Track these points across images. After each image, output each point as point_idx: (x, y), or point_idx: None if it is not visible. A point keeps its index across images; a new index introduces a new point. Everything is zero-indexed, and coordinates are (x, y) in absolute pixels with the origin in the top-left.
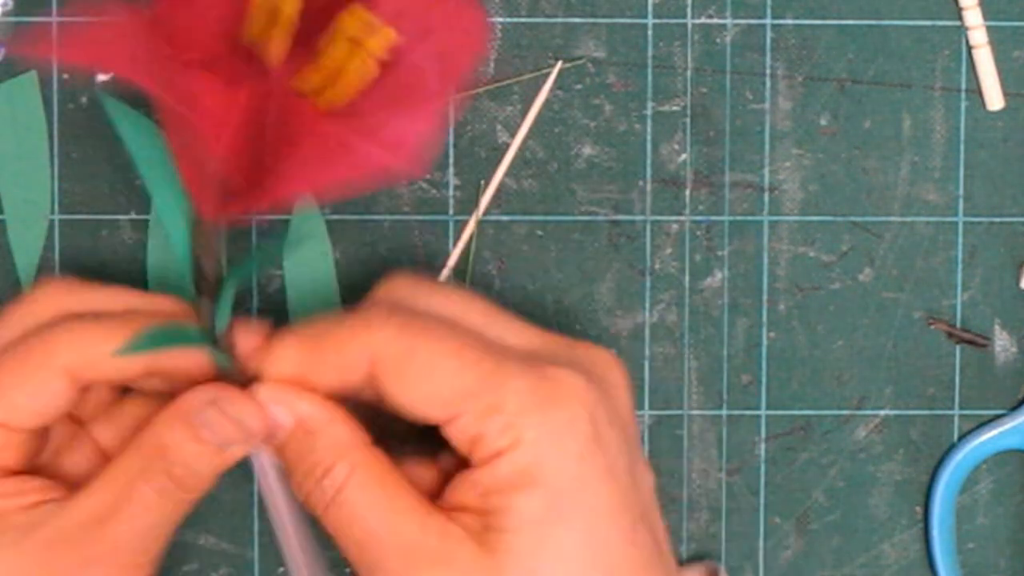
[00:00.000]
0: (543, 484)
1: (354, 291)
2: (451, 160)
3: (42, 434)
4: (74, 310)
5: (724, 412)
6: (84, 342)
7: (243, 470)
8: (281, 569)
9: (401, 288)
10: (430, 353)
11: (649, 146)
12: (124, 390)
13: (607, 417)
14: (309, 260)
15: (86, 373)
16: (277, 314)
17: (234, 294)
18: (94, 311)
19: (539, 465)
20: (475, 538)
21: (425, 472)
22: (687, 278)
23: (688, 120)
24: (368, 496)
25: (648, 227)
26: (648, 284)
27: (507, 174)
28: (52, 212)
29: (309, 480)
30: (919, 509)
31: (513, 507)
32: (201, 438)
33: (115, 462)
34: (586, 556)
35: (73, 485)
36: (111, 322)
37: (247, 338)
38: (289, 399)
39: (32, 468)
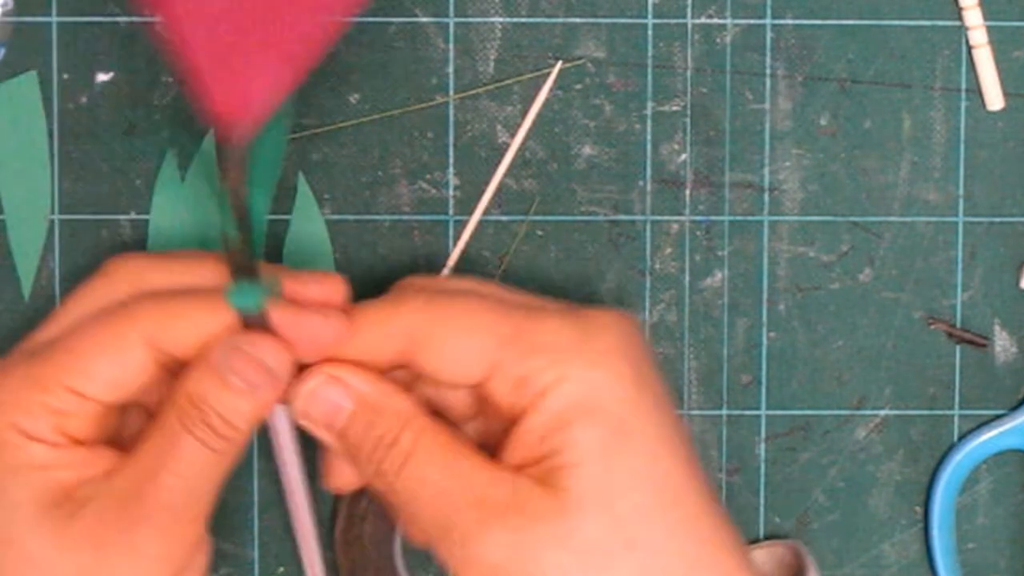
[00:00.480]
0: (599, 412)
1: (354, 291)
2: (451, 160)
3: (118, 412)
4: (150, 284)
5: (724, 412)
6: (166, 313)
7: (244, 471)
8: (281, 569)
9: (419, 278)
10: (462, 313)
11: (649, 146)
12: None
13: (642, 351)
14: (309, 260)
15: (167, 345)
16: None
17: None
18: (171, 286)
19: (592, 394)
20: (543, 483)
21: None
22: (687, 278)
23: (688, 120)
24: (436, 458)
25: (648, 227)
26: (648, 284)
27: (507, 174)
28: (52, 212)
29: (377, 452)
30: (919, 509)
31: (574, 440)
32: (230, 384)
33: (155, 421)
34: (653, 483)
35: None
36: (192, 295)
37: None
38: (347, 379)
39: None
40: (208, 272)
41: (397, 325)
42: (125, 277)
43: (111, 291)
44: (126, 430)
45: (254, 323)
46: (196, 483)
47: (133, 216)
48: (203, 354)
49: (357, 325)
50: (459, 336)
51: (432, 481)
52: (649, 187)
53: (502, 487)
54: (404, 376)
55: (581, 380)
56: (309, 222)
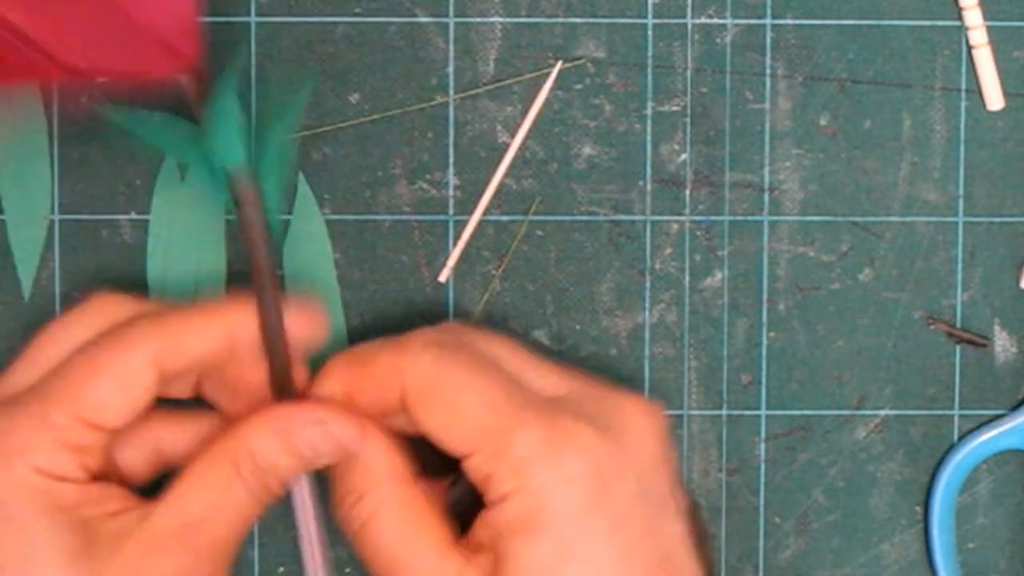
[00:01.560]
0: (547, 531)
1: (354, 291)
2: (451, 160)
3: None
4: (123, 318)
5: (724, 412)
6: (167, 331)
7: None
8: (281, 569)
9: (451, 327)
10: (456, 387)
11: (649, 146)
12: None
13: (618, 470)
14: (309, 260)
15: (171, 361)
16: None
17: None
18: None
19: (543, 512)
20: None
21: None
22: (687, 278)
23: (688, 120)
24: (393, 528)
25: (648, 227)
26: (648, 284)
27: (507, 174)
28: (52, 212)
29: (344, 504)
30: (919, 509)
31: (519, 552)
32: (297, 451)
33: (201, 468)
34: None
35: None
36: (187, 310)
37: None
38: (334, 421)
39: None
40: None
41: (399, 376)
42: (102, 311)
43: (91, 323)
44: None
45: (267, 320)
46: (240, 532)
47: (133, 216)
48: (260, 411)
49: (365, 369)
50: (445, 412)
51: (384, 547)
52: (649, 187)
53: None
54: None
55: (536, 495)
56: (309, 222)
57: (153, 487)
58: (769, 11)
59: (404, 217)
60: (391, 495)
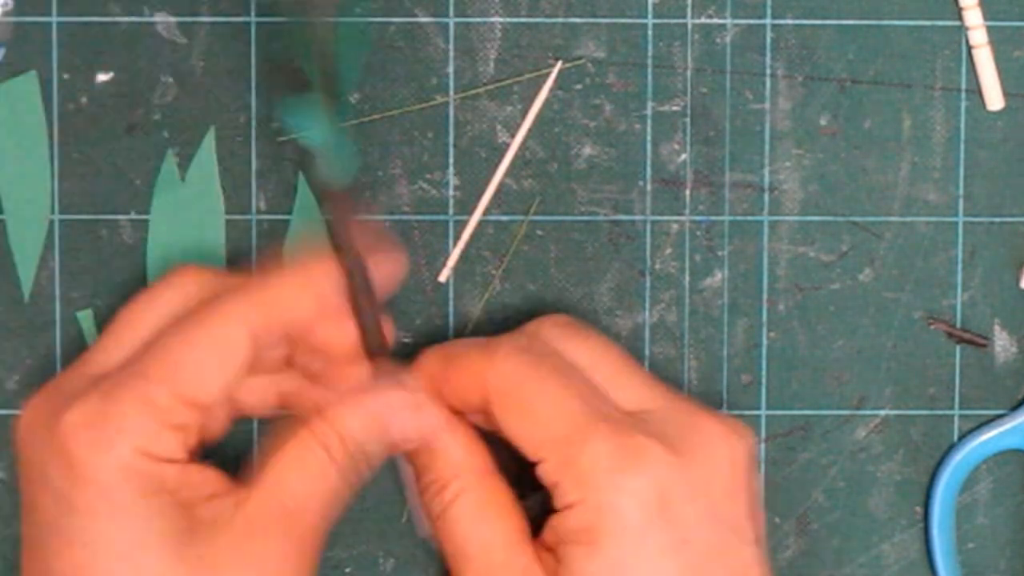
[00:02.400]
0: (603, 547)
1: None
2: (451, 160)
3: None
4: (209, 293)
5: (724, 412)
6: (259, 298)
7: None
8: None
9: (548, 326)
10: (534, 395)
11: (649, 146)
12: None
13: (686, 490)
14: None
15: (266, 330)
16: None
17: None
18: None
19: (603, 526)
20: None
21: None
22: (687, 278)
23: (688, 120)
24: (469, 517)
25: (648, 227)
26: (648, 284)
27: (507, 174)
28: (52, 212)
29: (427, 492)
30: (919, 509)
31: (578, 563)
32: (389, 436)
33: (294, 453)
34: None
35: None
36: (276, 279)
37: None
38: (421, 413)
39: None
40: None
41: (483, 377)
42: (185, 285)
43: (175, 298)
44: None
45: (353, 276)
46: (333, 515)
47: (133, 216)
48: (351, 394)
49: (453, 366)
50: (522, 418)
51: (459, 535)
52: (649, 187)
53: (515, 571)
54: None
55: (596, 510)
56: (309, 222)
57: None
58: (769, 11)
59: (404, 217)
60: (471, 485)
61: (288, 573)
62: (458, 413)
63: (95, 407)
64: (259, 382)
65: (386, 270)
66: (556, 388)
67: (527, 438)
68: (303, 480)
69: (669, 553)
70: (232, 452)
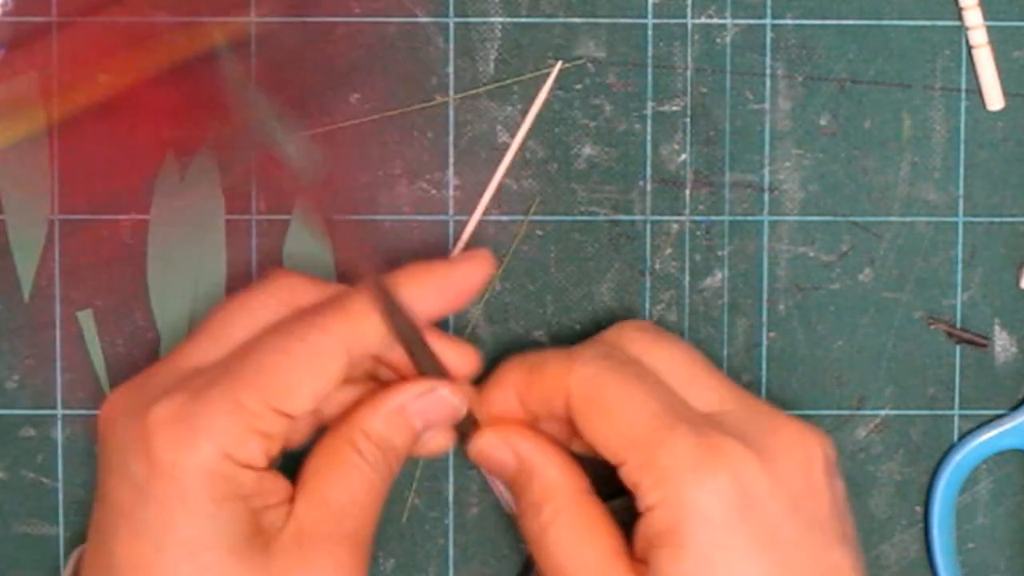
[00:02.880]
0: (688, 547)
1: None
2: (451, 160)
3: None
4: (304, 299)
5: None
6: (355, 315)
7: None
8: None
9: (627, 331)
10: (614, 398)
11: (649, 146)
12: None
13: (768, 488)
14: (309, 260)
15: (359, 347)
16: None
17: None
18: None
19: (685, 525)
20: None
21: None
22: (687, 278)
23: (688, 120)
24: (566, 537)
25: (648, 227)
26: (648, 284)
27: (507, 174)
28: (52, 212)
29: (524, 515)
30: (919, 509)
31: (662, 565)
32: (410, 424)
33: (329, 460)
34: None
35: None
36: (367, 296)
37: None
38: (512, 442)
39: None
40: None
41: (564, 384)
42: (280, 291)
43: (270, 303)
44: None
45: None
46: (377, 512)
47: (133, 216)
48: (377, 396)
49: (534, 375)
50: (602, 422)
51: (557, 556)
52: (649, 187)
53: None
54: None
55: (677, 509)
56: (309, 222)
57: None
58: (769, 11)
59: (404, 217)
60: (566, 505)
61: None
62: (552, 438)
63: (183, 404)
64: (343, 393)
65: (461, 282)
66: (635, 392)
67: (608, 441)
68: (342, 485)
69: (756, 550)
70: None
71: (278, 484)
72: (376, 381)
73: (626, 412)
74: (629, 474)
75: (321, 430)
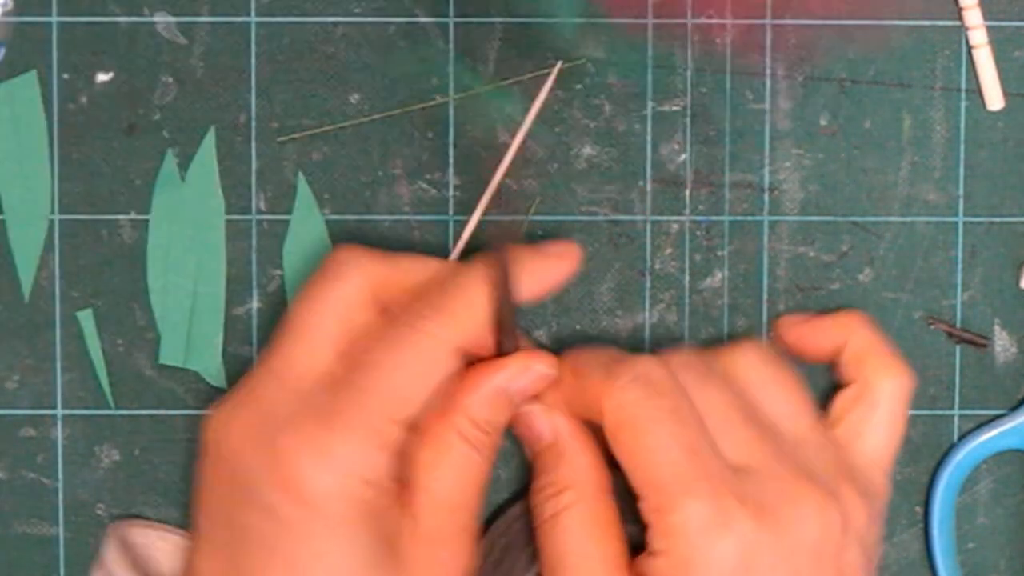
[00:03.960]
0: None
1: None
2: (451, 160)
3: None
4: (384, 283)
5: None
6: (458, 314)
7: None
8: None
9: (680, 360)
10: (642, 435)
11: (649, 146)
12: None
13: (771, 561)
14: (309, 260)
15: (467, 341)
16: (277, 314)
17: None
18: (404, 283)
19: None
20: None
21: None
22: (687, 278)
23: (688, 120)
24: (577, 528)
25: (648, 227)
26: (648, 284)
27: (507, 174)
28: (52, 212)
29: (541, 492)
30: (919, 509)
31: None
32: (513, 403)
33: (439, 455)
34: None
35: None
36: (452, 282)
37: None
38: (555, 419)
39: None
40: (435, 269)
41: (599, 402)
42: (355, 276)
43: (353, 292)
44: None
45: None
46: (484, 493)
47: (133, 216)
48: (469, 379)
49: (582, 380)
50: (626, 450)
51: (563, 544)
52: (649, 187)
53: None
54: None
55: (681, 564)
56: (309, 222)
57: None
58: (769, 11)
59: (404, 217)
60: (585, 497)
61: (466, 566)
62: (586, 429)
63: (314, 433)
64: None
65: (554, 268)
66: (663, 434)
67: (631, 472)
68: (459, 479)
69: None
70: None
71: (393, 487)
72: None
73: (650, 454)
74: (644, 511)
75: None
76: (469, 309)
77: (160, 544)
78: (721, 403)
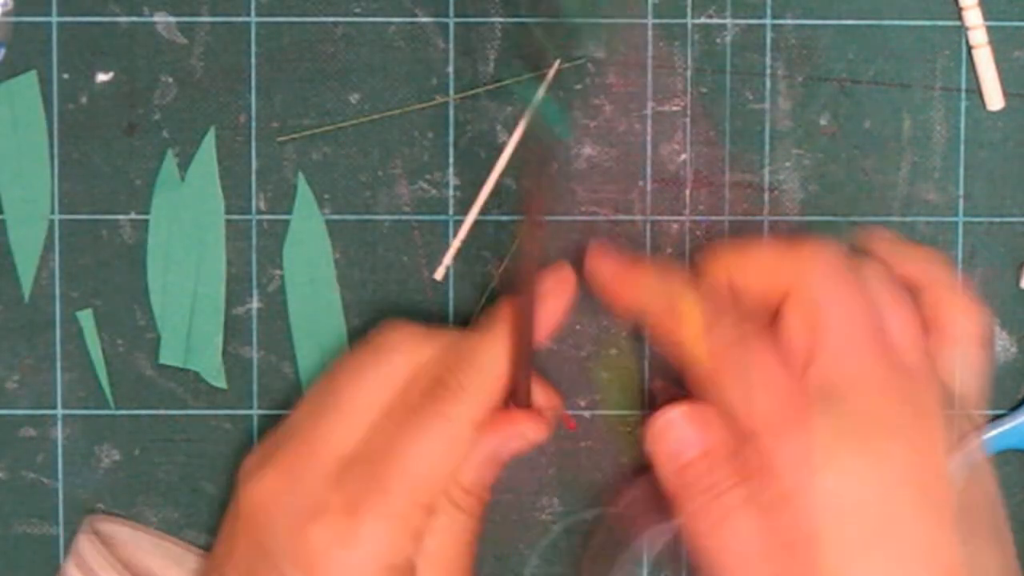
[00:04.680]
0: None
1: (354, 291)
2: (451, 160)
3: None
4: (425, 360)
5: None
6: (482, 392)
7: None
8: None
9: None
10: (829, 302)
11: (649, 146)
12: None
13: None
14: (309, 260)
15: (484, 415)
16: (277, 314)
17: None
18: (443, 358)
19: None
20: None
21: None
22: None
23: (688, 120)
24: (748, 526)
25: (648, 227)
26: None
27: (507, 174)
28: (52, 212)
29: (704, 496)
30: None
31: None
32: (502, 464)
33: (447, 518)
34: None
35: None
36: (490, 367)
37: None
38: (704, 429)
39: None
40: (475, 343)
41: (785, 275)
42: (399, 349)
43: (392, 366)
44: None
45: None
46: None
47: (133, 216)
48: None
49: (751, 259)
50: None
51: (734, 542)
52: (649, 187)
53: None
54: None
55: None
56: (309, 222)
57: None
58: (769, 11)
59: (404, 217)
60: (748, 499)
61: None
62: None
63: (342, 524)
64: None
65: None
66: (849, 307)
67: (794, 339)
68: (453, 545)
69: (888, 551)
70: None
71: (413, 564)
72: None
73: (837, 322)
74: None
75: None
76: (487, 383)
77: (138, 539)
78: (862, 313)
